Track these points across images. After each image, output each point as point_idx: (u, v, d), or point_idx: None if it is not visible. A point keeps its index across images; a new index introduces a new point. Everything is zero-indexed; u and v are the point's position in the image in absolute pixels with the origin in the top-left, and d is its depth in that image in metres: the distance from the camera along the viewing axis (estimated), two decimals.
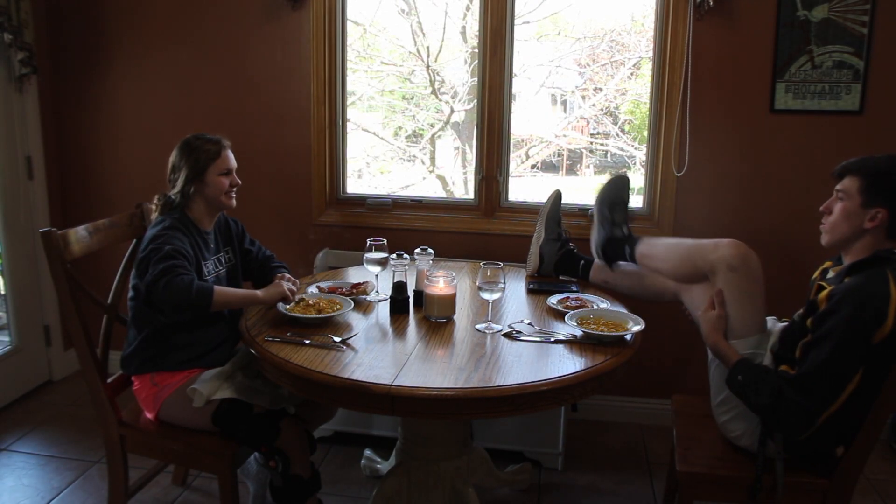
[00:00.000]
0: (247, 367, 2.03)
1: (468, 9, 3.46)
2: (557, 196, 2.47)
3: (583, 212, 2.90)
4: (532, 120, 3.79)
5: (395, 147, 3.91)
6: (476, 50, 2.94)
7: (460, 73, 3.62)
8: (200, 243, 2.05)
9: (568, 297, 2.14)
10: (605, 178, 2.53)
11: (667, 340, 2.81)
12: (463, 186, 3.71)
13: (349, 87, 3.08)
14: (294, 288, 2.05)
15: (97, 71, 3.12)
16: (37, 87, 3.05)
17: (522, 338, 1.84)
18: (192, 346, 2.00)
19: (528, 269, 2.48)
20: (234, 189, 2.12)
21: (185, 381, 1.97)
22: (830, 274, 1.79)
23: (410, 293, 2.08)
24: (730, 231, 2.76)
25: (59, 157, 3.23)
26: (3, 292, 3.09)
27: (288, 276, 2.16)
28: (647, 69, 3.05)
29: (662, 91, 2.74)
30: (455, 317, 2.00)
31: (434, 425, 2.02)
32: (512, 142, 2.99)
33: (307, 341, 1.79)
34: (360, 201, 3.07)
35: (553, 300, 2.13)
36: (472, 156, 3.31)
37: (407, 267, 2.08)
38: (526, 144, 3.76)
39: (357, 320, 2.00)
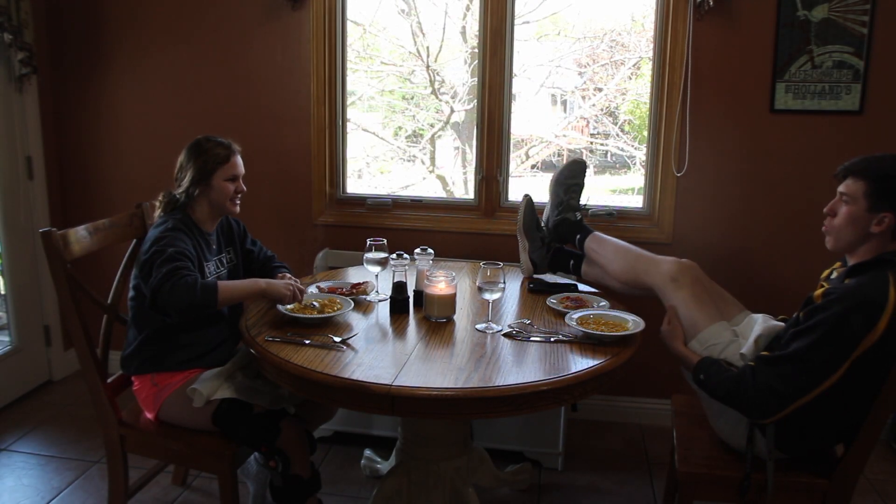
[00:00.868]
0: (247, 367, 2.03)
1: (468, 9, 3.46)
2: (528, 202, 2.48)
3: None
4: (532, 120, 3.79)
5: (395, 147, 3.91)
6: (476, 50, 2.94)
7: (460, 73, 3.62)
8: (202, 244, 2.05)
9: (568, 297, 2.15)
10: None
11: None
12: (463, 186, 3.71)
13: (349, 87, 3.08)
14: (302, 288, 2.04)
15: (97, 71, 3.12)
16: (37, 87, 3.05)
17: (522, 338, 1.84)
18: (192, 346, 2.00)
19: (524, 276, 2.48)
20: (239, 195, 2.11)
21: (185, 381, 1.97)
22: (834, 275, 1.79)
23: (410, 293, 2.08)
24: (730, 231, 2.78)
25: (59, 157, 3.23)
26: (3, 292, 3.09)
27: (289, 276, 2.16)
28: (647, 69, 3.05)
29: (662, 91, 2.74)
30: (455, 317, 2.00)
31: (434, 425, 2.02)
32: (512, 142, 2.99)
33: (307, 341, 1.79)
34: (360, 201, 3.07)
35: (553, 300, 2.13)
36: (472, 156, 3.31)
37: (407, 267, 2.08)
38: (526, 144, 3.76)
39: (357, 320, 2.00)
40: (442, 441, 2.04)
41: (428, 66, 3.62)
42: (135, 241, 2.28)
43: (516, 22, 2.88)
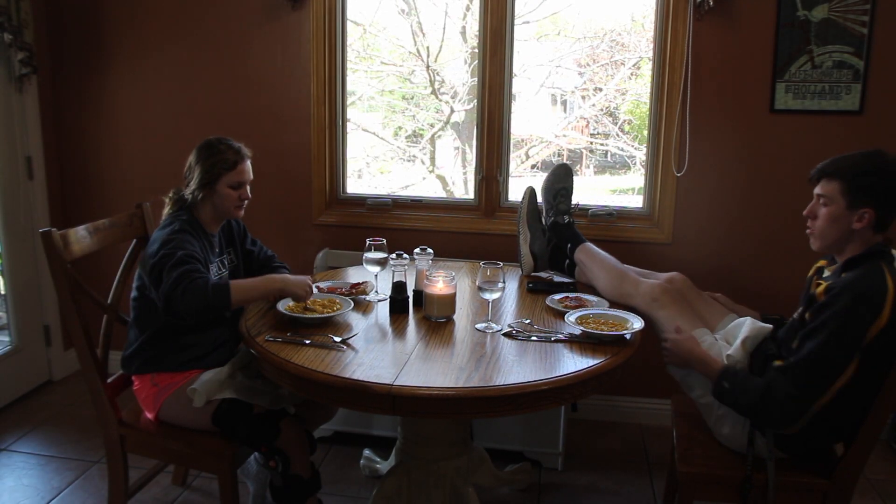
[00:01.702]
0: (247, 367, 2.03)
1: (468, 9, 3.46)
2: (532, 193, 2.53)
3: (583, 211, 2.90)
4: (532, 120, 3.78)
5: (395, 147, 3.91)
6: (476, 50, 2.94)
7: (460, 73, 3.62)
8: (207, 246, 2.04)
9: (567, 297, 2.15)
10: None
11: None
12: (463, 186, 3.71)
13: (349, 87, 3.08)
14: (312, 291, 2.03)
15: (97, 71, 3.12)
16: (37, 87, 3.05)
17: (522, 337, 1.84)
18: (193, 348, 2.00)
19: (524, 272, 2.48)
20: (244, 202, 2.10)
21: (185, 381, 1.97)
22: (827, 272, 1.79)
23: (410, 293, 2.08)
24: (730, 231, 2.78)
25: (59, 157, 3.23)
26: (3, 292, 3.09)
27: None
28: (647, 69, 3.05)
29: (662, 91, 2.74)
30: (455, 316, 2.00)
31: (434, 425, 2.02)
32: (512, 142, 2.99)
33: (307, 341, 1.79)
34: (360, 201, 3.07)
35: (552, 299, 2.13)
36: (472, 156, 3.31)
37: (406, 267, 2.08)
38: (526, 144, 3.76)
39: (357, 320, 2.00)
40: (442, 441, 2.04)
41: (428, 66, 3.62)
42: (135, 241, 2.28)
43: (516, 22, 2.88)
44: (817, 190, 1.75)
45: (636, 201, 3.00)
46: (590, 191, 3.89)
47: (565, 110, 3.92)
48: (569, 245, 2.38)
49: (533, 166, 3.92)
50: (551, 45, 3.62)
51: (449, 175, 3.87)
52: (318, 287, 2.20)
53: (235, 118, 3.03)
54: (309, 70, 2.93)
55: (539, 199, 2.54)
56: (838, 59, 2.60)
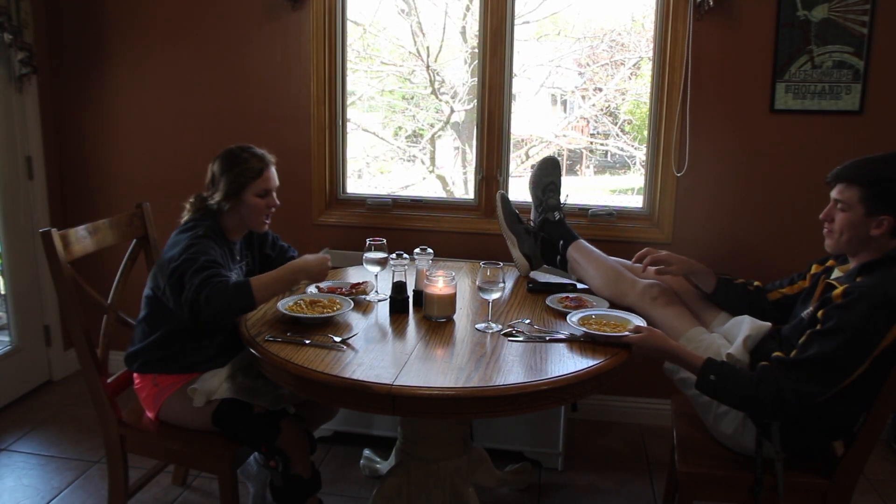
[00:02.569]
0: (247, 368, 2.03)
1: (468, 9, 3.46)
2: (502, 198, 2.51)
3: (583, 211, 2.90)
4: (532, 120, 3.79)
5: (395, 147, 3.91)
6: (476, 50, 2.94)
7: (460, 73, 3.62)
8: (227, 254, 2.03)
9: (567, 297, 2.14)
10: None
11: None
12: (463, 186, 3.71)
13: (349, 87, 3.08)
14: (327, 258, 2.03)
15: (97, 71, 3.12)
16: (37, 87, 3.05)
17: (523, 337, 1.84)
18: (198, 352, 1.99)
19: (521, 273, 2.48)
20: (271, 210, 2.08)
21: (185, 381, 1.97)
22: (837, 273, 1.79)
23: (410, 293, 2.08)
24: (730, 231, 2.78)
25: (59, 157, 3.23)
26: (3, 292, 3.09)
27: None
28: (647, 69, 3.05)
29: (662, 91, 2.74)
30: (455, 316, 2.00)
31: (434, 425, 2.02)
32: (512, 142, 2.99)
33: (307, 341, 1.79)
34: (360, 201, 3.07)
35: (552, 299, 2.13)
36: (472, 156, 3.31)
37: (406, 267, 2.08)
38: (526, 144, 3.76)
39: (357, 320, 2.00)
40: (442, 441, 2.04)
41: (428, 66, 3.62)
42: (135, 241, 2.28)
43: (516, 22, 2.88)
44: (835, 194, 1.72)
45: (636, 201, 3.00)
46: (590, 191, 3.89)
47: (565, 110, 3.92)
48: (561, 242, 2.34)
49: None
50: (551, 45, 3.62)
51: (449, 175, 3.87)
52: (318, 287, 2.20)
53: (235, 118, 3.04)
54: (309, 70, 2.93)
55: (516, 201, 2.51)
56: (838, 59, 2.60)
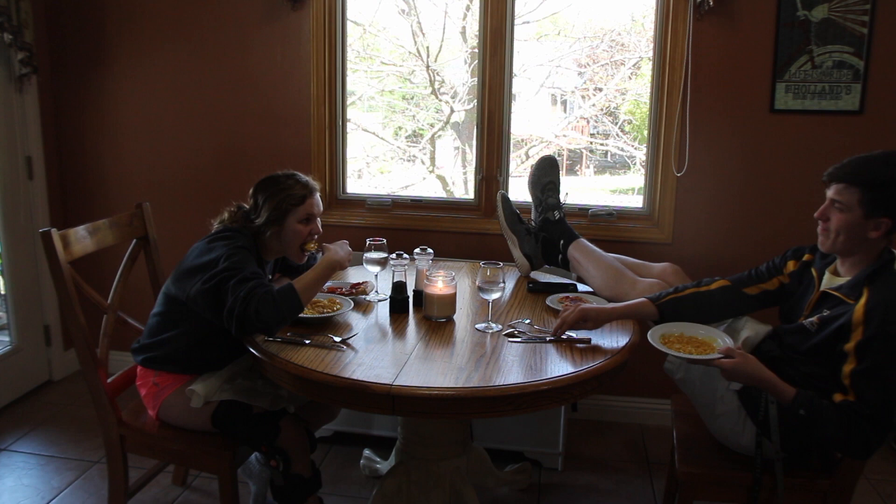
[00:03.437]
0: (246, 370, 2.03)
1: (468, 9, 3.46)
2: (503, 198, 2.51)
3: (583, 211, 2.90)
4: (532, 120, 3.78)
5: (395, 147, 3.91)
6: (476, 50, 2.94)
7: (460, 73, 3.62)
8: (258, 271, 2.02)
9: (567, 297, 2.14)
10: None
11: None
12: (463, 186, 3.71)
13: (349, 87, 3.08)
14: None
15: (97, 71, 3.12)
16: (37, 87, 3.05)
17: (524, 339, 1.84)
18: (203, 355, 1.99)
19: (521, 273, 2.48)
20: (314, 237, 2.04)
21: (184, 382, 1.97)
22: (829, 279, 1.77)
23: (410, 293, 2.08)
24: (730, 231, 2.78)
25: (59, 157, 3.23)
26: (3, 292, 3.09)
27: (283, 282, 2.16)
28: (647, 69, 3.05)
29: (662, 91, 2.74)
30: (455, 317, 2.00)
31: (434, 425, 2.02)
32: (512, 142, 2.99)
33: (307, 341, 1.79)
34: (360, 201, 3.07)
35: (552, 299, 2.13)
36: (472, 156, 3.31)
37: (406, 267, 2.08)
38: (526, 144, 3.76)
39: (357, 320, 2.00)
40: (442, 441, 2.04)
41: (428, 66, 3.62)
42: (135, 241, 2.28)
43: (516, 22, 2.88)
44: (832, 194, 1.69)
45: (636, 201, 3.00)
46: (590, 191, 3.89)
47: (565, 110, 3.92)
48: (561, 241, 2.34)
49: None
50: (551, 45, 3.62)
51: (449, 175, 3.87)
52: None
53: (235, 118, 3.04)
54: (309, 70, 2.93)
55: (516, 201, 2.51)
56: (838, 59, 2.60)
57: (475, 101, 2.97)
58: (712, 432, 1.89)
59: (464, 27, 3.54)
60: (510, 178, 2.99)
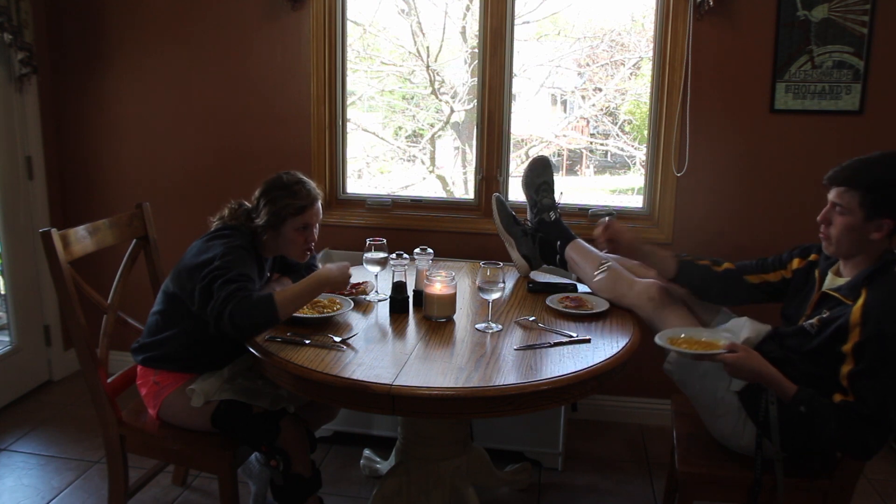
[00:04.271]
0: (246, 371, 2.03)
1: (468, 9, 3.46)
2: (498, 201, 2.50)
3: (582, 211, 2.90)
4: (532, 120, 3.79)
5: (395, 147, 3.91)
6: (476, 50, 2.94)
7: (460, 73, 3.62)
8: (257, 269, 2.01)
9: (567, 297, 2.14)
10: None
11: None
12: (463, 186, 3.71)
13: (349, 87, 3.08)
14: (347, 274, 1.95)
15: (97, 71, 3.12)
16: (37, 87, 3.05)
17: (527, 344, 1.84)
18: (204, 355, 1.99)
19: (521, 274, 2.48)
20: (310, 245, 2.05)
21: (185, 381, 1.97)
22: (831, 279, 1.77)
23: (410, 293, 2.08)
24: (730, 231, 2.78)
25: (59, 157, 3.23)
26: (3, 292, 3.09)
27: (284, 282, 2.15)
28: (647, 69, 3.05)
29: (662, 91, 2.74)
30: (455, 316, 2.00)
31: (434, 425, 2.02)
32: (512, 142, 2.99)
33: (307, 341, 1.79)
34: (360, 201, 3.07)
35: (552, 299, 2.13)
36: (472, 156, 3.31)
37: (406, 267, 2.08)
38: (526, 144, 3.76)
39: (357, 320, 2.00)
40: (442, 441, 2.04)
41: (428, 66, 3.62)
42: (135, 241, 2.28)
43: (516, 22, 2.88)
44: (833, 197, 1.69)
45: (636, 201, 3.00)
46: (590, 191, 3.89)
47: (565, 110, 3.92)
48: (559, 243, 2.34)
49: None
50: (551, 45, 3.62)
51: (449, 175, 3.87)
52: None
53: (235, 118, 3.04)
54: (309, 70, 2.93)
55: (515, 201, 2.50)
56: (838, 59, 2.60)
57: (475, 101, 2.97)
58: (712, 433, 1.89)
59: (464, 27, 3.55)
60: (510, 179, 2.99)
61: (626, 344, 1.82)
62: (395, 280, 2.04)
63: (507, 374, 1.63)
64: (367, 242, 2.14)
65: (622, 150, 3.75)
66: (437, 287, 1.95)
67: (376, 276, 2.19)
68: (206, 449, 1.92)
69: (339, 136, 3.04)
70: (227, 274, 1.78)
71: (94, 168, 3.22)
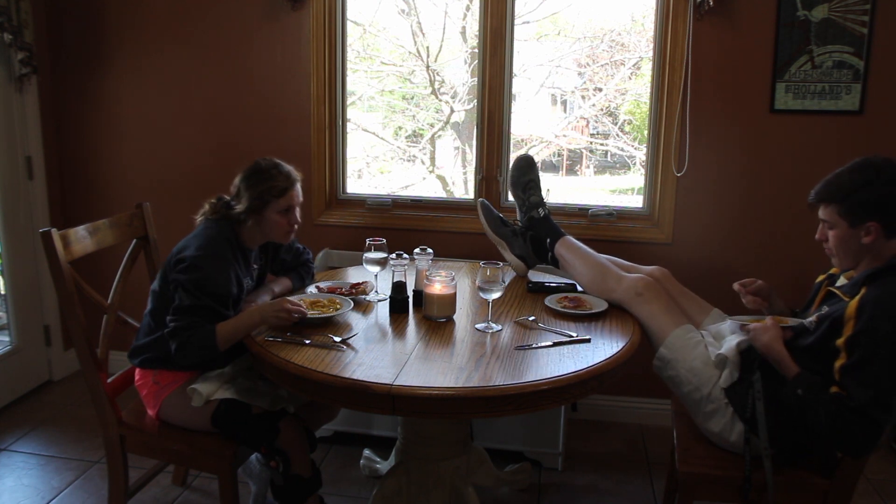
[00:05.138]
0: (247, 370, 2.03)
1: (468, 9, 3.46)
2: (483, 206, 2.50)
3: (582, 211, 2.90)
4: (532, 120, 3.78)
5: (395, 147, 3.91)
6: (476, 50, 2.94)
7: (460, 73, 3.62)
8: (241, 263, 2.02)
9: (566, 297, 2.14)
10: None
11: None
12: (463, 186, 3.71)
13: (349, 87, 3.08)
14: (300, 309, 1.89)
15: (97, 71, 3.12)
16: (37, 87, 3.05)
17: (528, 344, 1.84)
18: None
19: (518, 274, 2.47)
20: (294, 227, 2.07)
21: (185, 380, 1.97)
22: (842, 281, 1.79)
23: (410, 293, 2.08)
24: (730, 231, 2.78)
25: (59, 157, 3.23)
26: (3, 292, 3.09)
27: (283, 282, 2.17)
28: (647, 69, 3.05)
29: (662, 91, 2.74)
30: (455, 316, 2.00)
31: (434, 425, 2.02)
32: (512, 142, 2.99)
33: (307, 341, 1.79)
34: (360, 201, 3.07)
35: (551, 299, 2.13)
36: (472, 156, 3.31)
37: (406, 267, 2.08)
38: (526, 144, 3.76)
39: (357, 320, 2.00)
40: (442, 441, 2.04)
41: (428, 66, 3.62)
42: (135, 241, 2.28)
43: (516, 22, 2.88)
44: (820, 215, 1.76)
45: (636, 201, 3.00)
46: (590, 191, 3.89)
47: (565, 110, 3.92)
48: (548, 240, 2.33)
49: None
50: (551, 45, 3.62)
51: (449, 175, 3.87)
52: (318, 287, 2.20)
53: (235, 118, 3.04)
54: (309, 70, 2.93)
55: (494, 209, 2.50)
56: (838, 59, 2.60)
57: (475, 101, 2.97)
58: (703, 431, 1.89)
59: (464, 27, 3.55)
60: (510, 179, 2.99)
61: (626, 344, 1.82)
62: (395, 280, 2.04)
63: (507, 374, 1.63)
64: (367, 242, 2.14)
65: (622, 150, 3.75)
66: (437, 287, 1.95)
67: (376, 276, 2.19)
68: (206, 449, 1.92)
69: (339, 136, 3.04)
70: (190, 298, 1.84)
71: (94, 168, 3.22)
